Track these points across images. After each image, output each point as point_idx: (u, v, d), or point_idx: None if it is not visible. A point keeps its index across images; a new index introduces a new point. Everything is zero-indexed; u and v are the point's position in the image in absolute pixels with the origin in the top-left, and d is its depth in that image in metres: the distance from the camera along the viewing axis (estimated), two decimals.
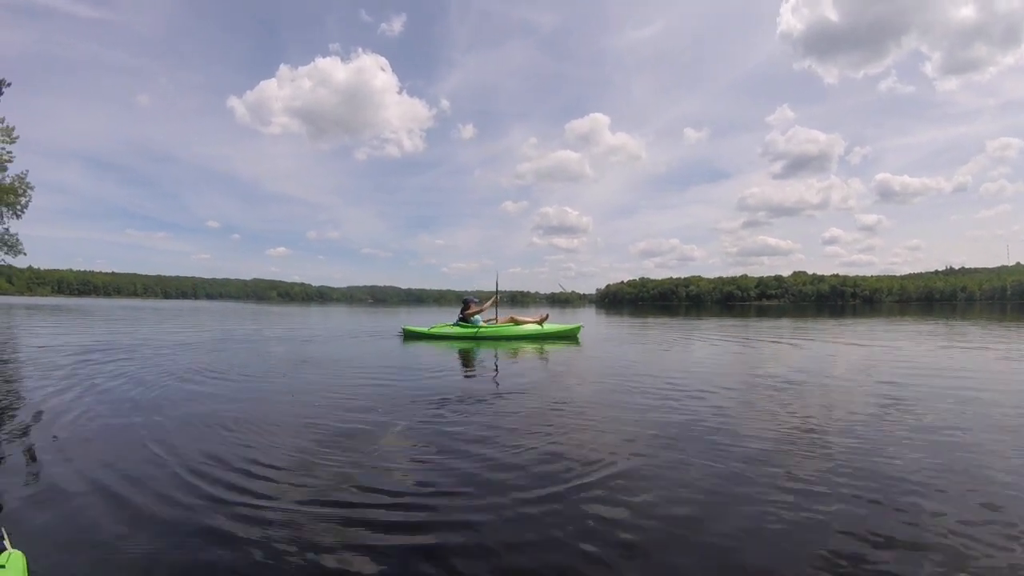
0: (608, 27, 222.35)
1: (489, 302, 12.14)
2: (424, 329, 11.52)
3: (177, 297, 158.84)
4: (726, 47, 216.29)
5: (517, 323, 11.62)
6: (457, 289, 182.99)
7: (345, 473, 2.72)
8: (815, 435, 3.44)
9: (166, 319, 20.28)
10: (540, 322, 11.62)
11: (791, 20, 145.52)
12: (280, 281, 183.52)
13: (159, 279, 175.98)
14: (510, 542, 2.01)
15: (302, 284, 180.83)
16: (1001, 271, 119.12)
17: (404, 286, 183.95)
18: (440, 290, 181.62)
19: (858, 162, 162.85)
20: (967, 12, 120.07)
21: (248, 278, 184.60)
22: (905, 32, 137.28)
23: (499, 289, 12.37)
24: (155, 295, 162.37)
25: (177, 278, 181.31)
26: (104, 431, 3.54)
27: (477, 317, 11.66)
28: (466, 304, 11.88)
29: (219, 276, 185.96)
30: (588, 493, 2.49)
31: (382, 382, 5.70)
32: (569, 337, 11.35)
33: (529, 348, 9.61)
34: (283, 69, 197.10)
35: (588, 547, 1.97)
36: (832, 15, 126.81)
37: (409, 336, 11.37)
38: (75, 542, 1.95)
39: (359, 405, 4.40)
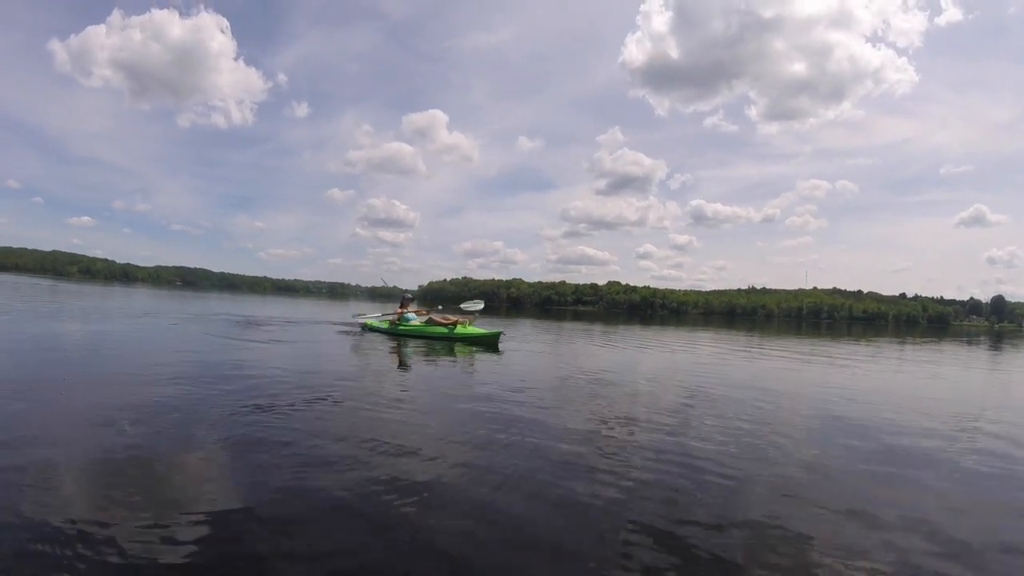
0: (458, 26, 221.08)
1: (415, 307, 14.12)
2: (381, 323, 13.90)
3: None
4: (569, 66, 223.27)
5: (435, 324, 12.82)
6: (273, 277, 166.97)
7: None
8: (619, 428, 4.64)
9: None
10: (450, 325, 12.32)
11: (634, 51, 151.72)
12: (82, 255, 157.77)
13: None
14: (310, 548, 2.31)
15: (106, 260, 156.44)
16: (798, 293, 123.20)
17: (216, 269, 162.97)
18: (255, 276, 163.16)
19: (677, 187, 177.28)
20: (799, 67, 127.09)
21: (48, 249, 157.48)
22: (738, 77, 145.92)
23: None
24: None
25: None
26: None
27: (410, 315, 13.42)
28: (403, 302, 13.94)
29: (15, 245, 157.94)
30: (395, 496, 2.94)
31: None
32: (487, 344, 11.50)
33: (441, 351, 10.46)
34: (115, 15, 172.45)
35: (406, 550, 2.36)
36: (674, 53, 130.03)
37: (368, 328, 14.01)
38: None
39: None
